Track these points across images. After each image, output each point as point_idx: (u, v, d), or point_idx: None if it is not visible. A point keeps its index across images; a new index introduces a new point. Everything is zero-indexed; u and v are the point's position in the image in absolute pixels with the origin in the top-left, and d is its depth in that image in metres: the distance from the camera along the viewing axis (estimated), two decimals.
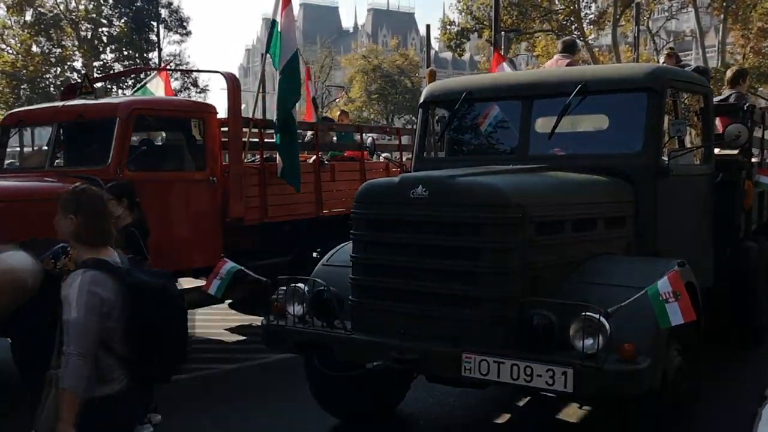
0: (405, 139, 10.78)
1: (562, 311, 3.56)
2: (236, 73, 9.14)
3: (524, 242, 3.81)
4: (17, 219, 5.30)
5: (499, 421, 5.30)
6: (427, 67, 27.34)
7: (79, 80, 9.49)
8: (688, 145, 5.25)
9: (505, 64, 9.94)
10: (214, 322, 8.52)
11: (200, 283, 7.70)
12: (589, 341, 3.44)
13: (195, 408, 5.58)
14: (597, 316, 3.41)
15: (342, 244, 4.98)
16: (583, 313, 3.47)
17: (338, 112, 13.23)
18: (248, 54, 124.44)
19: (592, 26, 30.88)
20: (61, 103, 7.21)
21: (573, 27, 30.03)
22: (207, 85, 34.88)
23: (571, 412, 5.13)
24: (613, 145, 4.92)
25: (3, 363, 5.81)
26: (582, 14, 30.26)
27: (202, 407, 5.59)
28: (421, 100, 5.60)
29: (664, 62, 7.91)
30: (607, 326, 3.39)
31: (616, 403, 3.82)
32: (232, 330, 8.32)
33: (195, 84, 33.96)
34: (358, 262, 4.30)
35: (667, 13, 35.52)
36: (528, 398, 5.40)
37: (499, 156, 5.14)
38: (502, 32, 18.55)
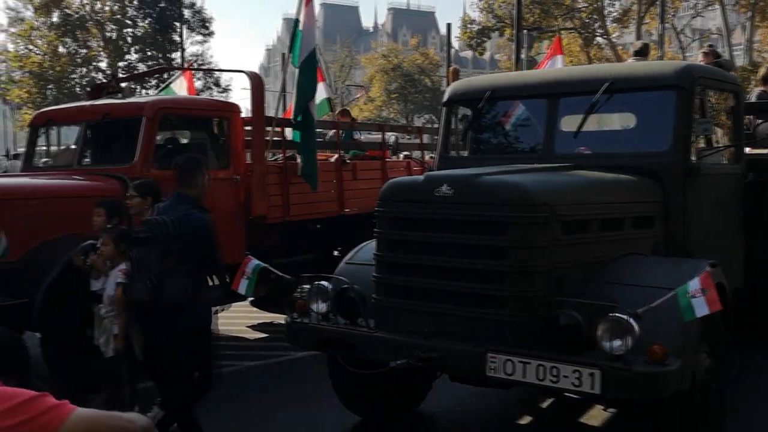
0: (425, 138, 10.76)
1: (589, 311, 3.52)
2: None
3: (550, 241, 3.78)
4: (47, 216, 5.37)
5: (522, 422, 5.26)
6: (448, 66, 27.34)
7: (105, 80, 9.58)
8: (714, 145, 5.18)
9: (559, 58, 9.94)
10: (236, 319, 8.57)
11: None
12: (617, 342, 3.40)
13: (217, 404, 5.60)
14: (625, 316, 3.37)
15: (365, 243, 4.98)
16: (611, 314, 3.43)
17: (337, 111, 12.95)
18: (269, 54, 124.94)
19: (615, 24, 30.58)
20: (88, 103, 7.29)
21: (596, 25, 29.79)
22: (229, 85, 35.09)
23: (595, 414, 5.08)
24: (640, 143, 4.86)
25: (33, 358, 5.87)
26: (605, 12, 30.01)
27: (224, 403, 5.61)
28: (445, 98, 5.57)
29: (701, 60, 7.78)
30: (636, 327, 3.35)
31: (643, 405, 3.77)
32: (254, 327, 8.36)
33: (217, 84, 34.19)
34: (382, 260, 4.29)
35: (692, 11, 35.08)
36: (551, 399, 5.36)
37: (524, 155, 5.10)
38: (524, 30, 18.43)
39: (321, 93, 9.54)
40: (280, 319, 8.59)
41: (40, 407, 1.53)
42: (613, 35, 30.80)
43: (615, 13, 30.81)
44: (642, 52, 7.43)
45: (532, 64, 16.68)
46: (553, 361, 3.51)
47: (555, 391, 3.84)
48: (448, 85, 7.61)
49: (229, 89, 35.81)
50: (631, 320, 3.36)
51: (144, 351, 4.84)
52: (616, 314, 3.42)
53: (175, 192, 4.40)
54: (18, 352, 1.85)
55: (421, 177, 4.22)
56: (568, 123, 5.08)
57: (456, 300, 3.92)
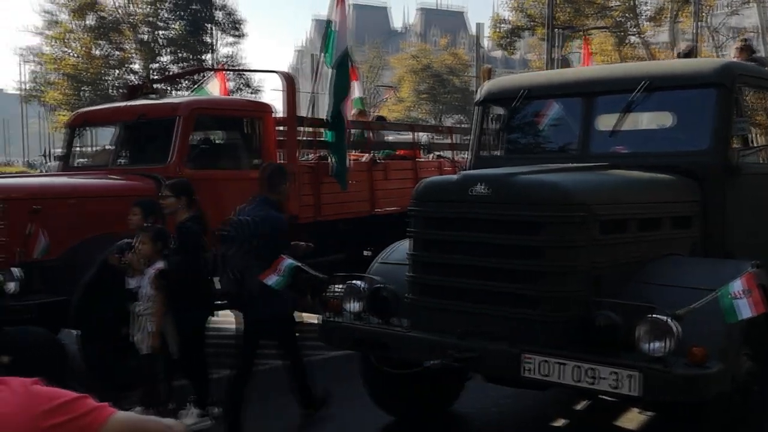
0: (456, 138, 10.71)
1: (628, 312, 3.47)
2: None
3: (588, 241, 3.74)
4: (85, 215, 5.45)
5: (557, 424, 5.21)
6: (478, 66, 27.24)
7: (139, 82, 9.72)
8: (750, 144, 5.07)
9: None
10: None
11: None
12: (656, 344, 3.34)
13: (252, 400, 5.63)
14: (665, 318, 3.32)
15: (399, 242, 4.97)
16: (650, 315, 3.37)
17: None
18: (298, 55, 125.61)
19: (649, 23, 30.15)
20: (124, 104, 7.39)
21: (629, 24, 29.41)
22: (259, 86, 35.32)
23: (632, 417, 5.01)
24: (678, 142, 4.78)
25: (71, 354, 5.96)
26: (638, 10, 29.60)
27: (257, 401, 5.64)
28: (478, 97, 5.54)
29: (735, 57, 7.57)
30: (676, 329, 3.29)
31: (682, 408, 3.71)
32: None
33: (248, 85, 34.45)
34: (416, 259, 4.28)
35: (728, 9, 34.45)
36: (587, 401, 5.29)
37: (559, 154, 5.05)
38: (556, 29, 18.25)
39: (354, 92, 9.56)
40: (311, 318, 8.62)
41: (80, 409, 1.54)
42: (647, 34, 30.37)
43: (648, 12, 30.38)
44: (689, 57, 7.21)
45: (564, 63, 16.51)
46: (591, 363, 3.46)
47: (592, 393, 3.80)
48: (481, 84, 7.57)
49: (260, 90, 36.06)
50: (672, 321, 3.31)
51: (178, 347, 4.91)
52: (656, 315, 3.36)
53: (261, 195, 4.95)
54: (56, 354, 1.87)
55: (456, 176, 4.20)
56: (604, 122, 5.02)
57: (491, 300, 3.89)
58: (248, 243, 4.68)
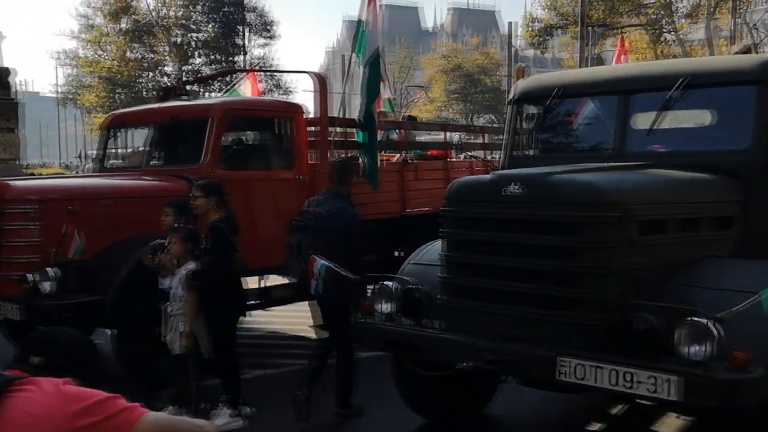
0: (487, 138, 10.62)
1: (667, 315, 3.39)
2: None
3: (625, 242, 3.66)
4: (119, 216, 5.51)
5: (592, 428, 5.13)
6: (509, 66, 27.07)
7: (172, 84, 9.82)
8: None
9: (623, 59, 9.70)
10: (299, 318, 8.62)
11: (286, 280, 7.83)
12: (696, 348, 3.25)
13: (283, 401, 5.64)
14: (706, 321, 3.23)
15: (430, 243, 4.93)
16: (690, 318, 3.29)
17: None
18: (329, 56, 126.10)
19: (685, 20, 29.62)
20: (157, 105, 7.46)
21: (664, 21, 28.93)
22: (290, 87, 35.54)
23: (669, 422, 4.91)
24: (718, 141, 4.66)
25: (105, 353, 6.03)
26: (674, 7, 29.09)
27: (289, 401, 5.64)
28: (512, 96, 5.47)
29: None
30: (717, 332, 3.20)
31: (722, 413, 3.61)
32: (317, 327, 8.38)
33: (279, 86, 34.66)
34: (448, 260, 4.23)
35: (767, 5, 33.72)
36: (623, 405, 5.20)
37: (594, 154, 4.95)
38: (590, 27, 18.02)
39: (383, 93, 9.54)
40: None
41: (112, 409, 1.54)
42: (682, 31, 29.84)
43: (684, 8, 29.84)
44: None
45: (598, 61, 16.29)
46: (628, 366, 3.38)
47: (629, 397, 3.72)
48: (513, 83, 7.49)
49: (291, 91, 36.28)
50: (712, 325, 3.21)
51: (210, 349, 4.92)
52: (696, 318, 3.27)
53: (332, 188, 5.27)
54: (88, 354, 1.87)
55: (489, 176, 4.15)
56: (641, 120, 4.92)
57: (525, 302, 3.83)
58: (322, 234, 4.94)
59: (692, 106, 4.81)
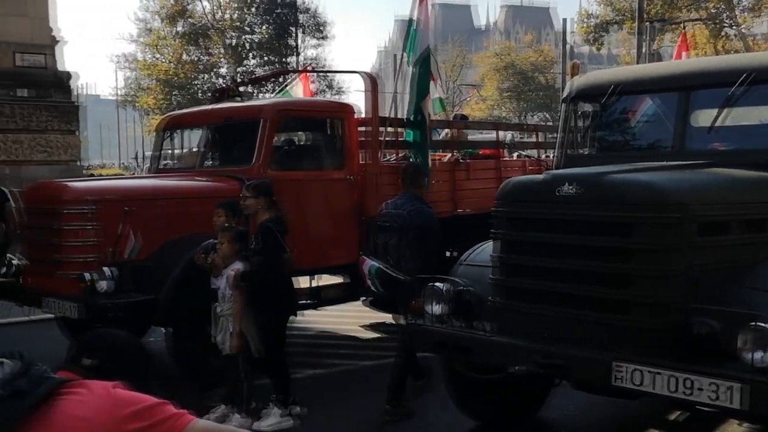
0: (540, 137, 10.44)
1: (728, 320, 3.25)
2: None
3: (684, 244, 3.52)
4: (173, 216, 5.60)
5: None
6: (564, 63, 26.63)
7: (226, 85, 9.94)
8: None
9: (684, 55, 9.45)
10: (349, 319, 8.64)
11: (337, 280, 7.85)
12: (760, 354, 3.11)
13: (333, 401, 5.66)
14: None
15: (482, 244, 4.86)
16: (754, 323, 3.15)
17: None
18: (381, 56, 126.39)
19: (746, 13, 28.63)
20: (210, 107, 7.55)
21: (725, 15, 28.03)
22: (342, 87, 35.75)
23: (730, 429, 4.73)
24: None
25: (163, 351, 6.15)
26: (735, 1, 28.16)
27: (339, 401, 5.66)
28: (566, 94, 5.35)
29: None
30: None
31: None
32: (367, 327, 8.39)
33: (331, 86, 34.89)
34: (500, 262, 4.15)
35: None
36: (681, 412, 5.03)
37: (652, 152, 4.79)
38: (647, 23, 17.55)
39: (433, 93, 9.48)
40: (391, 319, 8.60)
41: (161, 414, 1.54)
42: (744, 25, 28.86)
43: (746, 2, 28.85)
44: None
45: (656, 57, 15.86)
46: (688, 373, 3.26)
47: (688, 404, 3.58)
48: (566, 81, 7.35)
49: (343, 91, 36.48)
50: None
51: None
52: (760, 324, 3.13)
53: (407, 192, 5.57)
54: (141, 358, 1.87)
55: (542, 176, 4.05)
56: (701, 118, 4.75)
57: (580, 304, 3.73)
58: (405, 234, 5.24)
59: (756, 103, 4.62)
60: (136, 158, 11.38)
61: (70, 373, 1.69)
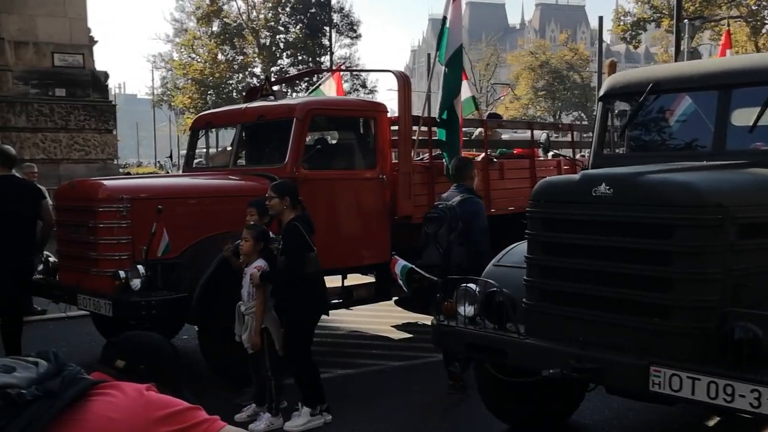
0: (575, 136, 10.28)
1: None
2: None
3: (725, 246, 3.42)
4: (205, 214, 5.62)
5: None
6: (599, 61, 26.26)
7: (259, 84, 9.99)
8: None
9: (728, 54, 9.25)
10: (380, 318, 8.62)
11: (368, 279, 7.83)
12: None
13: (366, 401, 5.64)
14: None
15: (514, 245, 4.79)
16: None
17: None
18: (414, 55, 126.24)
19: None
20: (243, 106, 7.58)
21: (765, 12, 27.40)
22: (375, 86, 35.81)
23: None
24: None
25: (195, 349, 6.19)
26: None
27: (368, 402, 5.63)
28: (601, 92, 5.25)
29: None
30: None
31: None
32: (398, 327, 8.36)
33: (364, 85, 34.96)
34: (534, 263, 4.09)
35: None
36: (719, 419, 4.91)
37: (690, 152, 4.67)
38: (686, 20, 17.20)
39: (465, 91, 9.43)
40: (423, 319, 8.55)
41: (192, 419, 1.54)
42: None
43: None
44: None
45: (695, 55, 15.52)
46: (728, 379, 3.16)
47: (728, 411, 3.48)
48: (602, 79, 7.21)
49: (375, 90, 36.53)
50: None
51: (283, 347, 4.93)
52: None
53: (457, 184, 5.88)
54: (173, 362, 1.87)
55: (577, 176, 3.97)
56: (742, 117, 4.61)
57: (616, 308, 3.65)
58: (454, 223, 5.54)
59: None
60: (170, 157, 11.52)
61: (102, 374, 1.69)
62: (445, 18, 8.01)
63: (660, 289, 3.51)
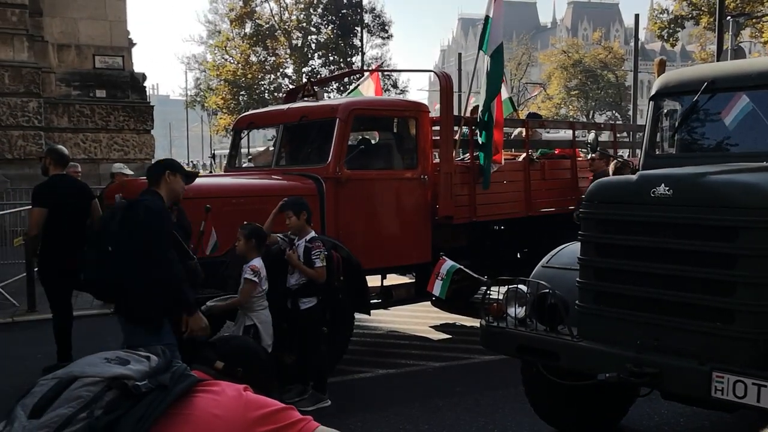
0: (608, 135, 10.15)
1: None
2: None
3: None
4: (250, 214, 5.64)
5: None
6: (635, 59, 25.89)
7: (293, 85, 10.03)
8: None
9: None
10: (419, 319, 8.60)
11: (406, 280, 7.81)
12: None
13: (408, 402, 5.61)
14: None
15: (563, 246, 4.73)
16: None
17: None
18: (443, 54, 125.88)
19: None
20: (286, 106, 7.60)
21: None
22: (406, 86, 35.75)
23: None
24: None
25: None
26: None
27: (410, 402, 5.61)
28: (653, 91, 5.15)
29: None
30: None
31: None
32: (437, 328, 8.33)
33: (395, 85, 34.93)
34: (588, 265, 4.02)
35: None
36: None
37: (746, 154, 4.55)
38: (728, 17, 16.84)
39: (504, 92, 9.36)
40: (462, 320, 8.51)
41: (288, 419, 1.57)
42: None
43: None
44: None
45: (739, 53, 15.20)
46: None
47: None
48: (653, 78, 7.10)
49: (407, 90, 36.48)
50: None
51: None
52: None
53: None
54: (267, 366, 1.94)
55: (635, 177, 3.90)
56: None
57: (675, 311, 3.57)
58: None
59: None
60: (213, 157, 11.73)
61: (202, 373, 1.74)
62: (488, 17, 7.96)
63: (723, 292, 3.43)
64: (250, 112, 9.11)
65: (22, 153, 12.99)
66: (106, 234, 4.19)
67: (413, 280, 7.58)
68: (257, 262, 5.03)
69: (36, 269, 7.05)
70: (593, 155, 7.89)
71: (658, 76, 5.59)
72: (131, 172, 9.23)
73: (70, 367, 1.60)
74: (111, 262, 4.09)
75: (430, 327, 8.37)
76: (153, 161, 16.24)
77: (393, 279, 7.56)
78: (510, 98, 10.47)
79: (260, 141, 9.87)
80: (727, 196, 3.42)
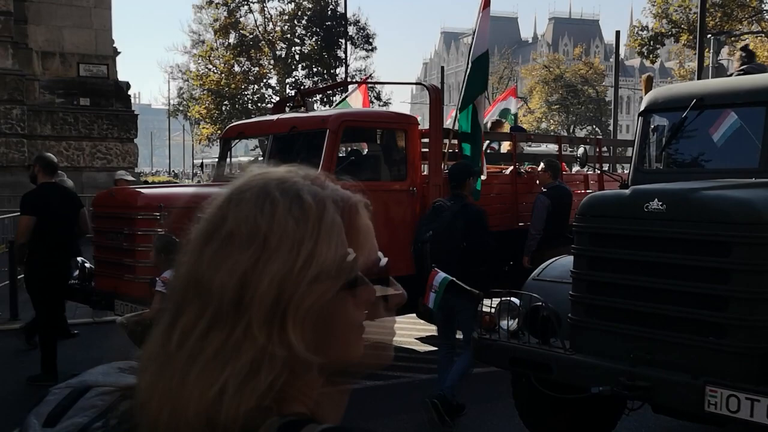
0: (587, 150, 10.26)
1: None
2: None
3: None
4: None
5: None
6: (616, 75, 26.23)
7: (276, 96, 10.04)
8: None
9: None
10: (405, 331, 8.58)
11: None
12: None
13: (396, 413, 5.60)
14: None
15: (554, 259, 4.76)
16: None
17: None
18: (425, 68, 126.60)
19: None
20: (276, 116, 7.59)
21: None
22: (389, 99, 35.83)
23: None
24: None
25: None
26: None
27: (399, 415, 5.59)
28: (642, 107, 5.22)
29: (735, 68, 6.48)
30: None
31: None
32: (423, 340, 8.32)
33: (378, 97, 34.98)
34: (580, 278, 4.05)
35: None
36: None
37: (735, 169, 4.63)
38: (709, 35, 17.13)
39: (511, 107, 9.46)
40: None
41: None
42: None
43: None
44: None
45: (720, 71, 15.47)
46: None
47: None
48: (642, 94, 7.18)
49: (390, 102, 36.56)
50: None
51: None
52: None
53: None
54: None
55: (628, 191, 3.94)
56: None
57: (668, 325, 3.61)
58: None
59: None
60: (201, 166, 11.68)
61: None
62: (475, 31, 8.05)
63: (716, 307, 3.47)
64: (240, 122, 9.09)
65: (5, 160, 12.85)
66: None
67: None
68: (168, 275, 4.90)
69: (22, 276, 6.98)
70: (540, 168, 7.95)
71: (646, 92, 5.67)
72: (133, 179, 9.23)
73: (82, 375, 1.58)
74: None
75: (416, 339, 8.36)
76: (136, 170, 16.15)
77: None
78: (514, 115, 10.54)
79: (241, 151, 9.84)
80: (720, 212, 3.47)
